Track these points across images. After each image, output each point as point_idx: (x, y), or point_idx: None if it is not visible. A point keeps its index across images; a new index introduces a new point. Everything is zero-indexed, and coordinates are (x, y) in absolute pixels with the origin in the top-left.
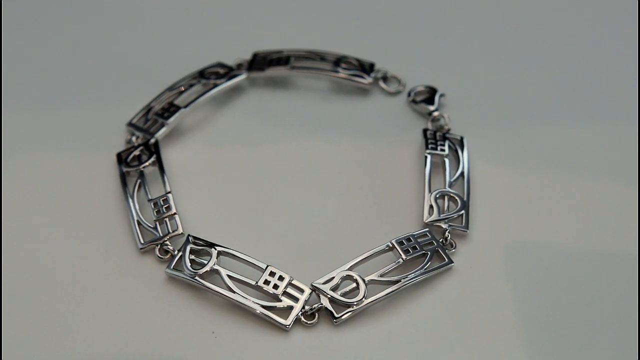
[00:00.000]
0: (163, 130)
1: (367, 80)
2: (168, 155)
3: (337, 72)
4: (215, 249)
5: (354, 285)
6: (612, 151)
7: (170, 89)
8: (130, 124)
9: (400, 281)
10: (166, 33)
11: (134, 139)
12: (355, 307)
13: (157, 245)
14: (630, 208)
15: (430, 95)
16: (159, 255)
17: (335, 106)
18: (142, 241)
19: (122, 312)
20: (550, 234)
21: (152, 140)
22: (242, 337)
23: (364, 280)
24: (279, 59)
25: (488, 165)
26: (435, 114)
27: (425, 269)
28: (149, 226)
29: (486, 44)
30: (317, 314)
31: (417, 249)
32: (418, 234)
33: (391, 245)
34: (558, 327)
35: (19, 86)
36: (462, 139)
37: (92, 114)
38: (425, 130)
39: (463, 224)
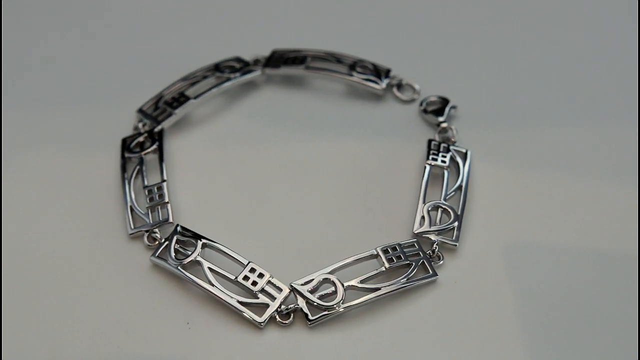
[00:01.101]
0: (170, 119)
1: (380, 86)
2: (173, 144)
3: (352, 75)
4: (200, 241)
5: (333, 289)
6: (612, 151)
7: (184, 79)
8: (139, 110)
9: (380, 289)
10: (189, 27)
11: (140, 125)
12: (330, 311)
13: (147, 232)
14: (630, 208)
15: (442, 106)
16: (147, 243)
17: (347, 110)
18: (132, 227)
19: (101, 294)
20: (550, 234)
21: (158, 129)
22: (215, 331)
23: (342, 285)
24: (295, 58)
25: (488, 165)
26: (443, 125)
27: (407, 280)
28: (141, 213)
29: (505, 57)
30: (292, 315)
31: (401, 258)
32: (405, 243)
33: (375, 253)
34: (556, 330)
35: (22, 77)
36: (466, 152)
37: (105, 106)
38: (430, 141)
39: (453, 238)
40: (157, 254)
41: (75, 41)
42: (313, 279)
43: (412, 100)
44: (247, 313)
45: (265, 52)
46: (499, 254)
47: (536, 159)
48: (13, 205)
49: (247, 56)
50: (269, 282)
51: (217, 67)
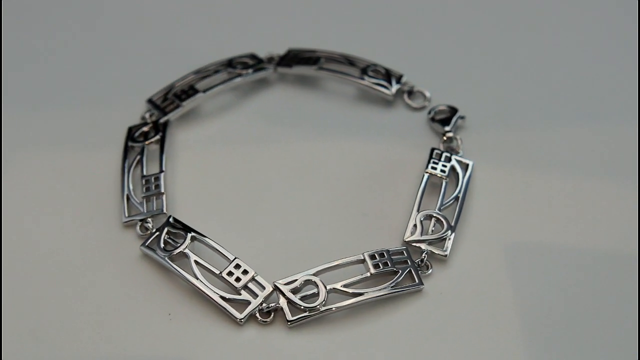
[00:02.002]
0: (177, 112)
1: (390, 91)
2: (179, 137)
3: (363, 79)
4: (190, 234)
5: (315, 290)
6: (612, 151)
7: (196, 72)
8: (149, 101)
9: (363, 295)
10: (212, 21)
11: (147, 115)
12: (311, 313)
13: (140, 222)
14: (630, 208)
15: (450, 115)
16: (139, 232)
17: (355, 113)
18: (126, 215)
19: (89, 280)
20: (550, 235)
21: (163, 120)
22: (195, 324)
23: (325, 287)
24: (308, 58)
25: (488, 165)
26: (449, 134)
27: (391, 287)
28: (137, 202)
29: (520, 68)
30: (273, 313)
31: (388, 265)
32: (394, 250)
33: (362, 258)
34: (555, 337)
35: (22, 76)
36: (467, 164)
37: (118, 98)
38: (432, 150)
39: (444, 248)
40: (146, 244)
41: (88, 36)
42: (297, 279)
43: (423, 108)
44: (228, 309)
45: (284, 51)
46: (491, 265)
47: (536, 159)
48: (14, 194)
49: (267, 53)
50: (253, 279)
51: (230, 63)
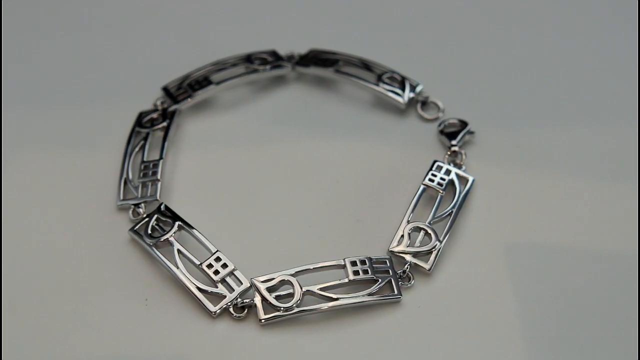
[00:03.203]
0: (188, 101)
1: (403, 99)
2: (189, 127)
3: (377, 85)
4: (177, 222)
5: (291, 290)
6: (612, 151)
7: (214, 64)
8: (164, 88)
9: (338, 300)
10: (245, 16)
11: (159, 102)
12: (284, 313)
13: (133, 206)
14: (630, 208)
15: (460, 129)
16: (131, 216)
17: (367, 119)
18: (121, 198)
19: (74, 260)
20: (550, 235)
21: (172, 108)
22: (170, 312)
23: (301, 288)
24: (327, 60)
25: (488, 165)
26: (454, 148)
27: (369, 295)
28: (134, 186)
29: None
30: (247, 309)
31: (368, 272)
32: (377, 259)
33: (343, 263)
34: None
35: (22, 77)
36: (467, 180)
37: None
38: (434, 162)
39: (428, 262)
40: (135, 228)
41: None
42: (274, 278)
43: (436, 119)
44: (203, 300)
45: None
46: (477, 280)
47: (536, 159)
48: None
49: (287, 51)
50: (231, 273)
51: (249, 57)
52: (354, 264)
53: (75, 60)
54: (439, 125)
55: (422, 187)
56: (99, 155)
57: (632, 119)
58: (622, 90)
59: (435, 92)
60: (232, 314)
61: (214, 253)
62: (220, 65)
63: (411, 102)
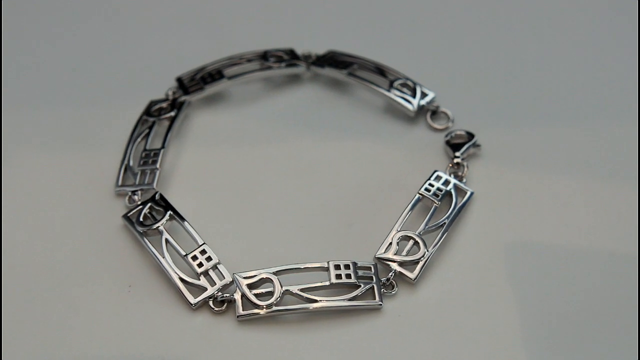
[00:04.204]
0: (198, 94)
1: (412, 107)
2: (198, 119)
3: (388, 91)
4: (168, 212)
5: (271, 289)
6: (612, 151)
7: (229, 58)
8: (177, 79)
9: (317, 302)
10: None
11: (170, 92)
12: (260, 310)
13: (130, 193)
14: (630, 208)
15: (465, 141)
16: (127, 203)
17: (376, 125)
18: (119, 183)
19: (67, 244)
20: (550, 235)
21: (182, 99)
22: (151, 301)
23: (281, 287)
24: (342, 62)
25: (487, 165)
26: (457, 160)
27: (348, 300)
28: (133, 173)
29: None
30: (226, 304)
31: (350, 277)
32: (362, 264)
33: (326, 266)
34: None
35: (21, 78)
36: (466, 193)
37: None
38: (434, 172)
39: (413, 272)
40: (127, 215)
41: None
42: (256, 275)
43: (445, 129)
44: (184, 291)
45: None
46: (458, 293)
47: (536, 158)
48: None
49: (305, 51)
50: (215, 267)
51: (265, 54)
52: (337, 267)
53: (97, 50)
54: (446, 135)
55: (417, 196)
56: (110, 145)
57: (632, 119)
58: (619, 89)
59: (450, 102)
60: (212, 308)
61: (200, 245)
62: (236, 60)
63: (421, 111)
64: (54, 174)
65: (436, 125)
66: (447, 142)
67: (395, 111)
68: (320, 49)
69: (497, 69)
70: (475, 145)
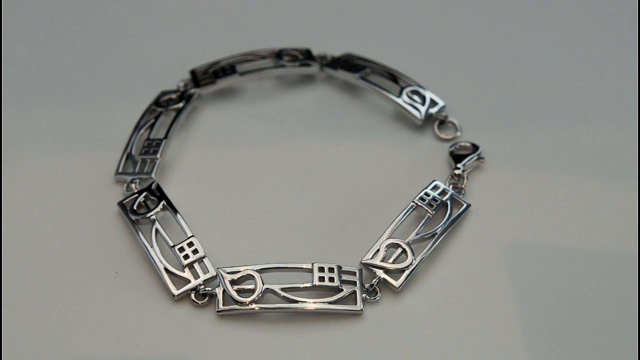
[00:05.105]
0: (209, 87)
1: (419, 115)
2: (207, 113)
3: (398, 97)
4: (162, 202)
5: (253, 286)
6: (612, 151)
7: (245, 54)
8: (191, 71)
9: (297, 302)
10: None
11: (182, 84)
12: (239, 307)
13: (128, 181)
14: (630, 208)
15: (470, 152)
16: (125, 190)
17: (382, 131)
18: (119, 170)
19: (62, 223)
20: (549, 235)
21: (192, 91)
22: (134, 288)
23: (262, 285)
24: (354, 65)
25: (491, 178)
26: (457, 172)
27: (329, 303)
28: (134, 161)
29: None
30: (208, 298)
31: (333, 280)
32: (347, 269)
33: (310, 267)
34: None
35: (21, 80)
36: (462, 205)
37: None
38: (432, 182)
39: (398, 281)
40: (122, 202)
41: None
42: (240, 271)
43: (452, 139)
44: (167, 282)
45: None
46: (442, 305)
47: (536, 158)
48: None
49: (320, 52)
50: (200, 260)
51: (279, 53)
52: (321, 269)
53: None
54: (451, 146)
55: (411, 204)
56: (122, 136)
57: (632, 119)
58: (619, 89)
59: (460, 112)
60: (193, 300)
61: (189, 237)
62: (250, 56)
63: (429, 119)
64: (60, 163)
65: (443, 135)
66: (451, 153)
67: (404, 119)
68: (342, 51)
69: (513, 82)
70: (479, 157)
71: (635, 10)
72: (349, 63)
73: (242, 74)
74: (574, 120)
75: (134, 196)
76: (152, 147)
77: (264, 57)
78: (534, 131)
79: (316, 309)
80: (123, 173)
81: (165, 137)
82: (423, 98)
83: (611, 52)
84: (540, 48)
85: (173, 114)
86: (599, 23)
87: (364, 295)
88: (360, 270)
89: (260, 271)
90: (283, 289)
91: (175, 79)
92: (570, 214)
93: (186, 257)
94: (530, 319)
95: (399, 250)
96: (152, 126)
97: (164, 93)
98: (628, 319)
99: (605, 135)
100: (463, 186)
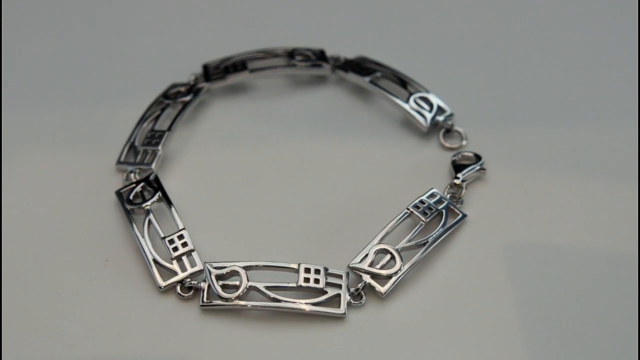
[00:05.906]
0: (217, 83)
1: (424, 122)
2: (215, 108)
3: (405, 102)
4: (157, 194)
5: (238, 283)
6: (612, 151)
7: (258, 51)
8: (204, 65)
9: (280, 302)
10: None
11: (192, 77)
12: (222, 302)
13: (128, 171)
14: (630, 208)
15: (472, 163)
16: (124, 180)
17: (388, 136)
18: (121, 160)
19: (60, 210)
20: (549, 235)
21: (200, 85)
22: (122, 278)
23: (247, 282)
24: (365, 69)
25: (491, 190)
26: (456, 181)
27: (312, 305)
28: (136, 151)
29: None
30: (193, 291)
31: (318, 282)
32: (333, 271)
33: (297, 267)
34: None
35: (21, 80)
36: (457, 216)
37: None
38: (429, 190)
39: (384, 287)
40: (120, 191)
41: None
42: (226, 267)
43: (458, 148)
44: (154, 273)
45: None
46: (426, 314)
47: (536, 158)
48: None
49: (334, 53)
50: (189, 253)
51: (292, 53)
52: (307, 270)
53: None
54: (453, 155)
55: (405, 211)
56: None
57: (632, 119)
58: (619, 89)
59: (469, 122)
60: (179, 293)
61: (180, 230)
62: (263, 54)
63: (436, 127)
64: (66, 154)
65: (448, 144)
66: (453, 162)
67: (411, 125)
68: (358, 54)
69: (523, 92)
70: (481, 168)
71: (635, 10)
72: (360, 66)
73: (252, 71)
74: (582, 128)
75: (131, 186)
76: (154, 138)
77: (276, 56)
78: (541, 142)
79: (298, 309)
80: (124, 162)
81: (169, 129)
82: (431, 105)
83: (611, 52)
84: (553, 60)
85: (180, 107)
86: (599, 23)
87: (348, 299)
88: (347, 274)
89: (246, 268)
90: (267, 288)
91: (192, 73)
92: (571, 225)
93: (175, 249)
94: (518, 330)
95: (388, 256)
96: (157, 118)
97: (174, 85)
98: (628, 319)
99: (605, 134)
100: (461, 196)
